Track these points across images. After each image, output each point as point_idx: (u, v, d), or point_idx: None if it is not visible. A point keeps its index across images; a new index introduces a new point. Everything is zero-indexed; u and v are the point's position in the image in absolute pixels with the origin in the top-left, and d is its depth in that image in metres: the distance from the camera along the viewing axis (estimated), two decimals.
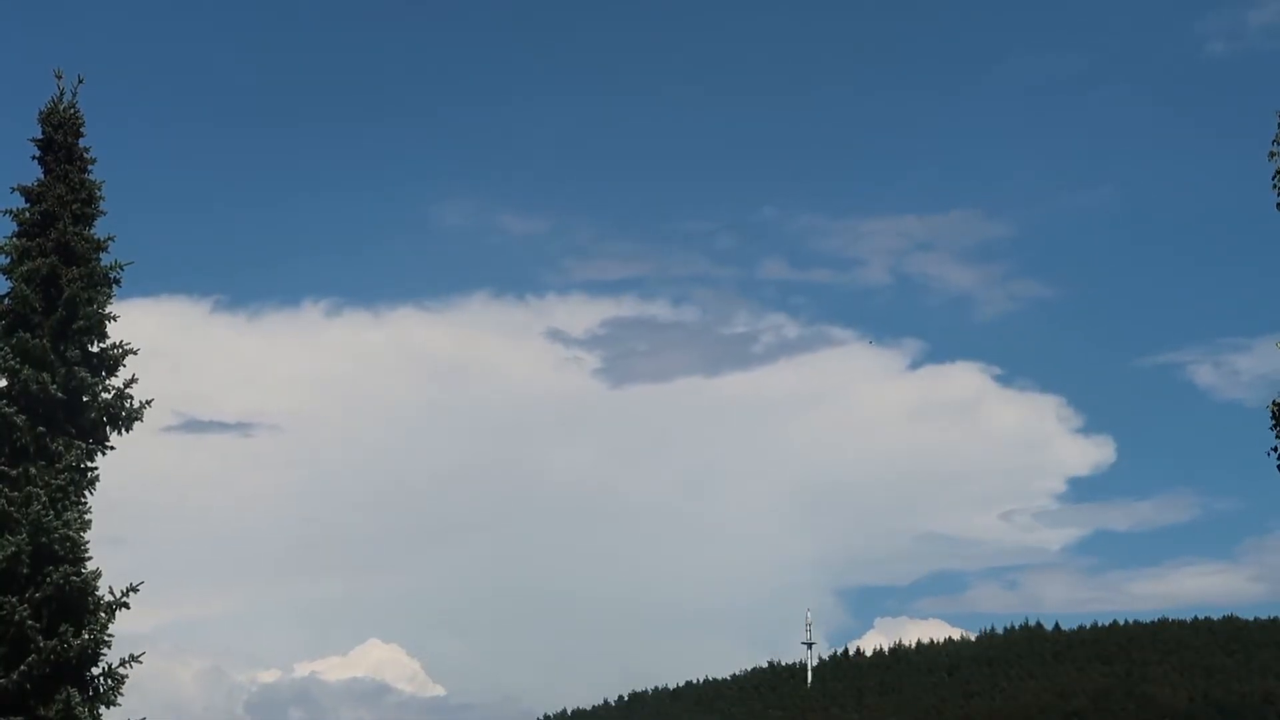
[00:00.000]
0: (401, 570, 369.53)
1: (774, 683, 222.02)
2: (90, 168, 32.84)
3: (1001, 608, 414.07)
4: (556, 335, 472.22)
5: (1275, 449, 24.35)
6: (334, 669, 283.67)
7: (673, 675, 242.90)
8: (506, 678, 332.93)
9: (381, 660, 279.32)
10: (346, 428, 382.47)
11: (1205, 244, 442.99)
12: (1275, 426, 24.41)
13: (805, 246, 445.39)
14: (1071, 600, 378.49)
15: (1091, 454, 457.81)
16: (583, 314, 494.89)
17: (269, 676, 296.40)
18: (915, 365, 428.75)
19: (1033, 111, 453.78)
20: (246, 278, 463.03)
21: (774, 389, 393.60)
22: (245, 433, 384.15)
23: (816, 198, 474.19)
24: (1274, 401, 24.37)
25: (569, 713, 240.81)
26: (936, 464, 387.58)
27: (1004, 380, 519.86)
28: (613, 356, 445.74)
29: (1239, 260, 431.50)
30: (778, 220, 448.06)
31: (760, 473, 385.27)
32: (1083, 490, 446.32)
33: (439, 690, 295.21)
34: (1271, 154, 24.90)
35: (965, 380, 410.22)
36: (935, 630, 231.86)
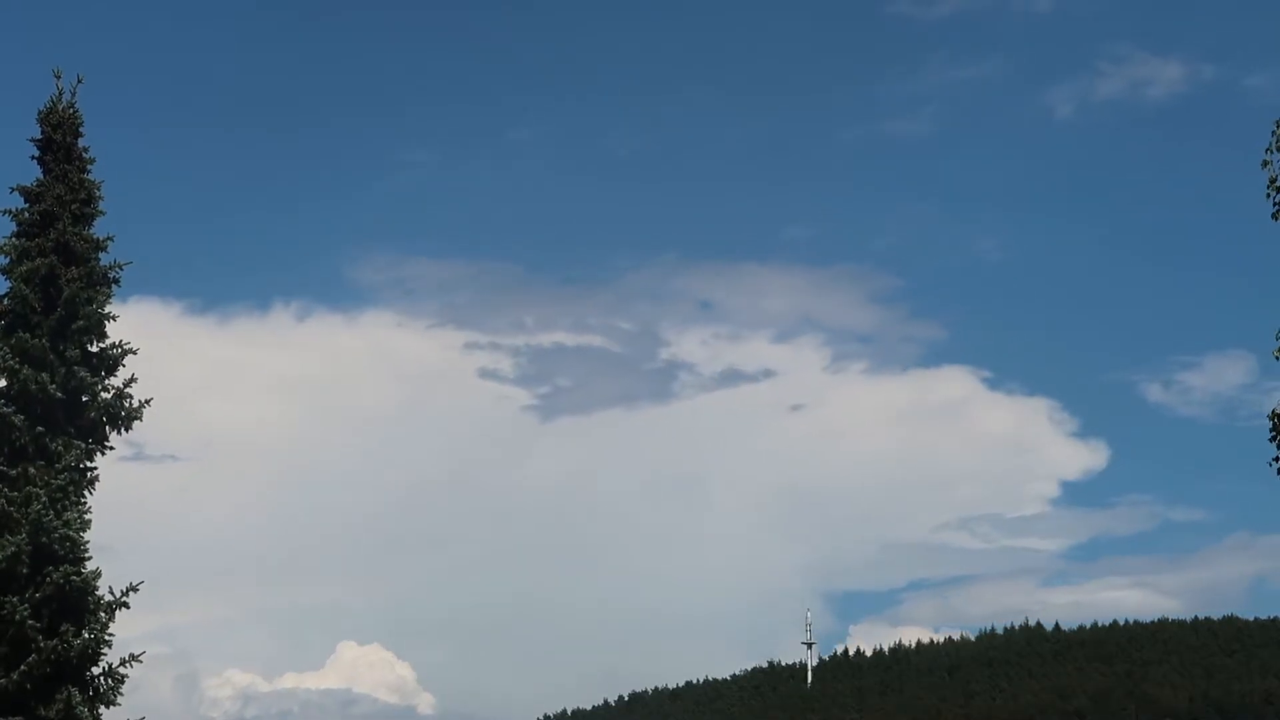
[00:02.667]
0: (392, 580, 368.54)
1: (774, 683, 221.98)
2: (89, 168, 32.87)
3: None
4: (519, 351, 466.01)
5: (1277, 459, 24.27)
6: (309, 679, 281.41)
7: (670, 677, 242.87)
8: (493, 684, 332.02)
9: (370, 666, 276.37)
10: (318, 434, 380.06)
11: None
12: (1275, 437, 24.34)
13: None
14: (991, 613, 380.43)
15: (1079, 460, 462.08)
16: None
17: (251, 686, 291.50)
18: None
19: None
20: (220, 280, 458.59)
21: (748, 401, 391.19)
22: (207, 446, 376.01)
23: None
24: (1274, 411, 24.30)
25: (569, 713, 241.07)
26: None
27: (991, 384, 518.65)
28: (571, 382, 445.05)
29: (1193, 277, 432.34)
30: None
31: (745, 479, 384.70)
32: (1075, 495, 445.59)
33: (428, 698, 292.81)
34: (1265, 163, 24.88)
35: (950, 388, 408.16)
36: (911, 635, 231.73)
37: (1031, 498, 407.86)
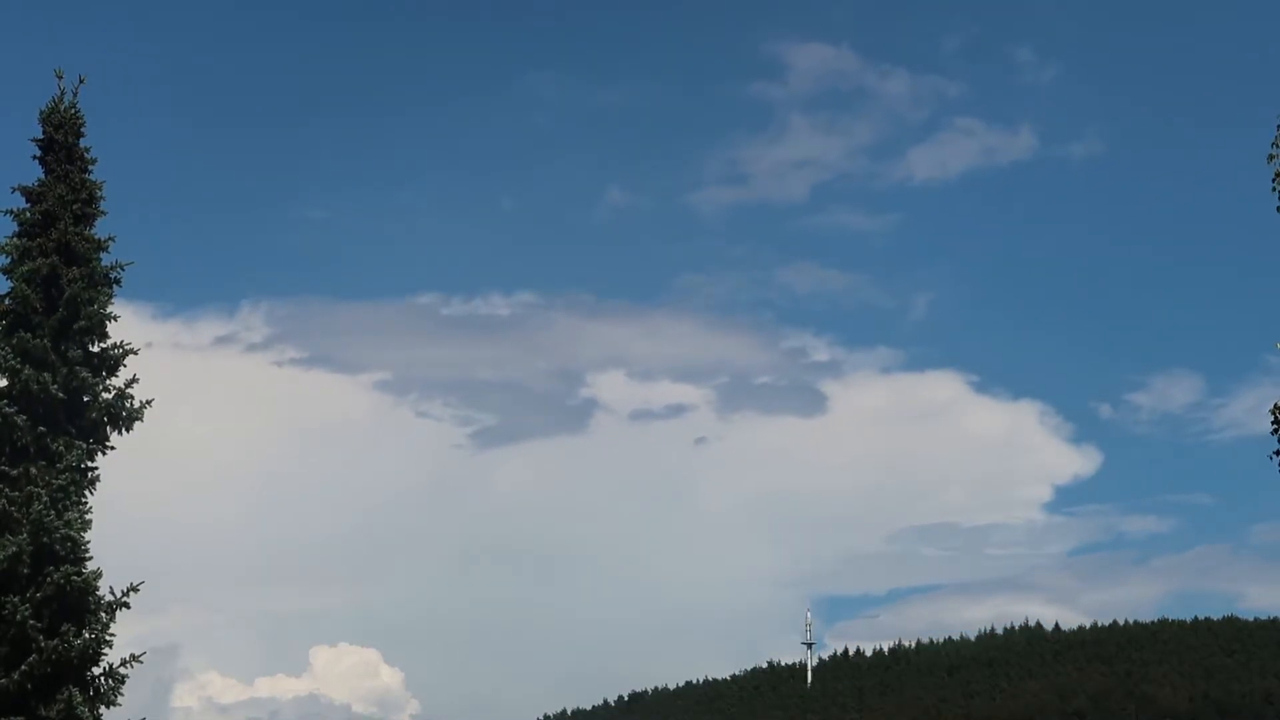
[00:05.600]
0: (384, 588, 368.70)
1: (774, 683, 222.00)
2: (91, 168, 32.87)
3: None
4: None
5: (1278, 453, 24.31)
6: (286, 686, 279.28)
7: (669, 677, 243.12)
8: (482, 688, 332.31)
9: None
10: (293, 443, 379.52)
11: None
12: (1276, 431, 24.38)
13: None
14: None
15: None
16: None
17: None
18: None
19: None
20: (190, 283, 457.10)
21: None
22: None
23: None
24: (1275, 405, 24.34)
25: (569, 713, 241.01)
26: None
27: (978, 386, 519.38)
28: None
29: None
30: None
31: (731, 482, 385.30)
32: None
33: (415, 705, 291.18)
34: (1270, 156, 24.91)
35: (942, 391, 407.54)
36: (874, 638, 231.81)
37: (1021, 502, 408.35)
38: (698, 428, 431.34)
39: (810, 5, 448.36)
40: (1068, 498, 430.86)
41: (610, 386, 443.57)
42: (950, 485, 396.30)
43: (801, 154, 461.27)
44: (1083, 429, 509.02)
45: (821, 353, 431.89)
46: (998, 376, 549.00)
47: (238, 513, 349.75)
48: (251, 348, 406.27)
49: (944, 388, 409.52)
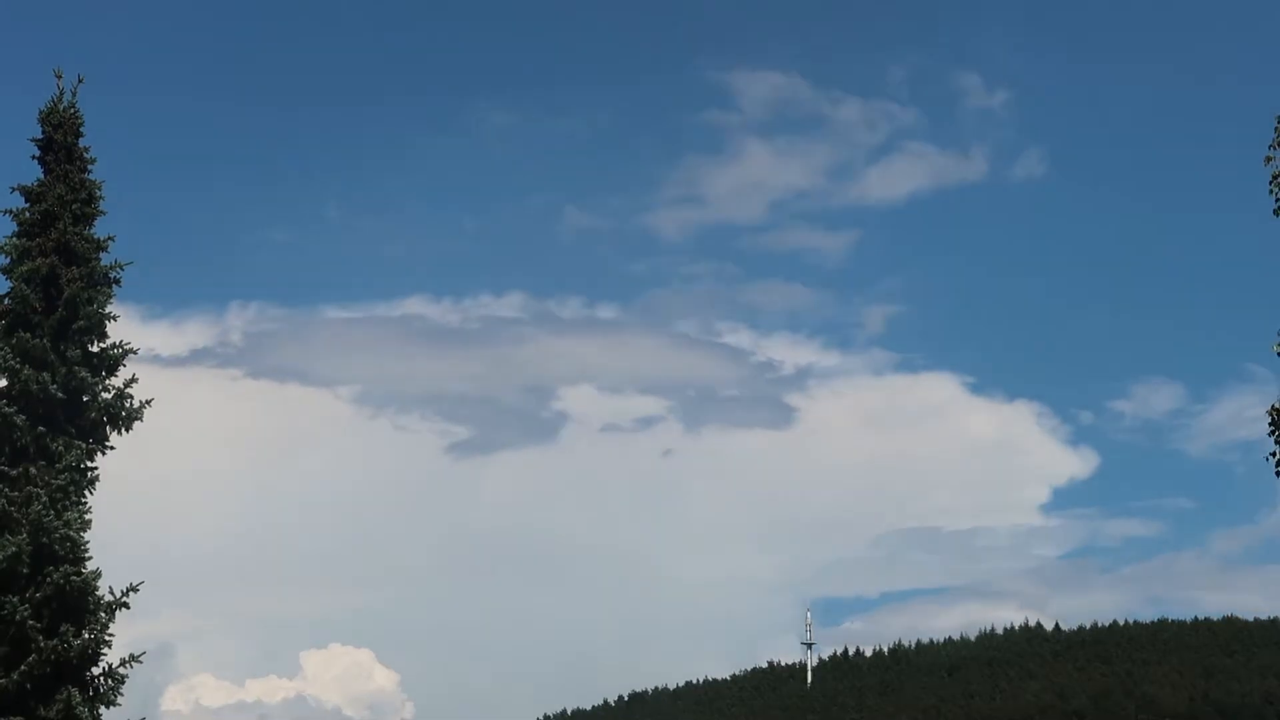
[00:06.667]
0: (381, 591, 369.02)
1: (774, 683, 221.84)
2: (90, 168, 32.89)
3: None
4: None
5: (1273, 454, 24.31)
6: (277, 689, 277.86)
7: (668, 678, 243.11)
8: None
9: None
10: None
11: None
12: (1273, 432, 24.39)
13: None
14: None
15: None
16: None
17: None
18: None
19: None
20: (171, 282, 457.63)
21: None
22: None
23: None
24: (1273, 406, 24.35)
25: (569, 713, 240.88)
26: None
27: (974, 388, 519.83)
28: None
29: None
30: None
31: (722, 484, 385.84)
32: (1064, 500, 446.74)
33: (410, 709, 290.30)
34: (1268, 158, 24.95)
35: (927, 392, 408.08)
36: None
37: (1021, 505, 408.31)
38: (665, 440, 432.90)
39: (757, 37, 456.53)
40: (1059, 502, 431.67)
41: (581, 400, 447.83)
42: (937, 490, 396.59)
43: (757, 176, 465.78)
44: (1076, 432, 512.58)
45: (787, 367, 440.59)
46: (992, 380, 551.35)
47: (227, 516, 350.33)
48: (225, 362, 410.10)
49: (921, 393, 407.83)
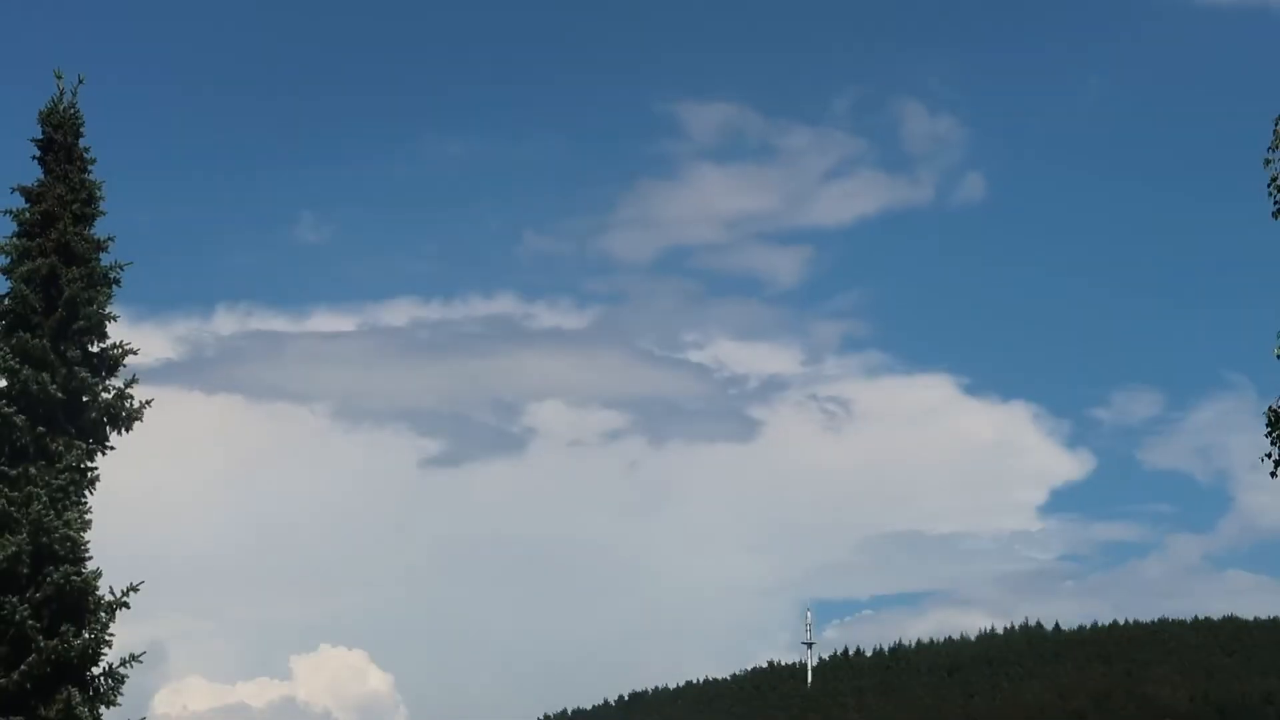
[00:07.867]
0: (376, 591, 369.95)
1: (774, 683, 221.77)
2: (90, 168, 32.91)
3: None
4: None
5: (1270, 455, 24.30)
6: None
7: (668, 678, 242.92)
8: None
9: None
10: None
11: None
12: (1271, 433, 24.37)
13: None
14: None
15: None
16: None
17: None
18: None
19: None
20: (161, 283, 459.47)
21: None
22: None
23: None
24: (1270, 408, 24.34)
25: (569, 713, 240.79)
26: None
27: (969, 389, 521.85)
28: None
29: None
30: None
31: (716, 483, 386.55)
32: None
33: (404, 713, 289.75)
34: (1266, 161, 24.94)
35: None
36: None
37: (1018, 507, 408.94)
38: (631, 452, 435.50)
39: (702, 70, 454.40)
40: (1055, 505, 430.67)
41: (548, 414, 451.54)
42: (927, 495, 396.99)
43: (710, 199, 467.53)
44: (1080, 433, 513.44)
45: (751, 380, 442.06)
46: (987, 381, 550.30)
47: (218, 522, 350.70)
48: (199, 377, 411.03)
49: (910, 398, 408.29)
